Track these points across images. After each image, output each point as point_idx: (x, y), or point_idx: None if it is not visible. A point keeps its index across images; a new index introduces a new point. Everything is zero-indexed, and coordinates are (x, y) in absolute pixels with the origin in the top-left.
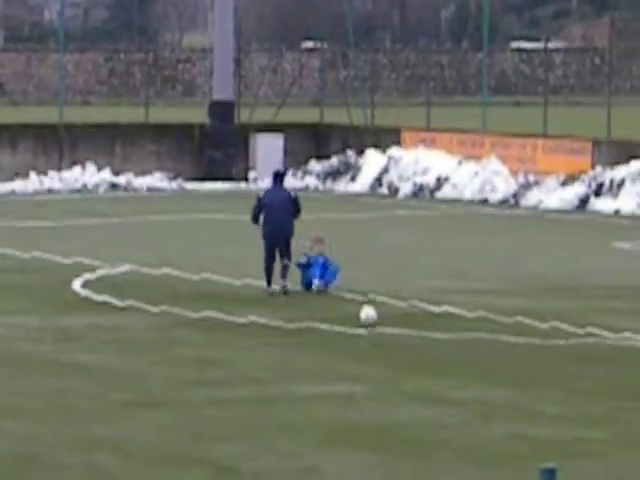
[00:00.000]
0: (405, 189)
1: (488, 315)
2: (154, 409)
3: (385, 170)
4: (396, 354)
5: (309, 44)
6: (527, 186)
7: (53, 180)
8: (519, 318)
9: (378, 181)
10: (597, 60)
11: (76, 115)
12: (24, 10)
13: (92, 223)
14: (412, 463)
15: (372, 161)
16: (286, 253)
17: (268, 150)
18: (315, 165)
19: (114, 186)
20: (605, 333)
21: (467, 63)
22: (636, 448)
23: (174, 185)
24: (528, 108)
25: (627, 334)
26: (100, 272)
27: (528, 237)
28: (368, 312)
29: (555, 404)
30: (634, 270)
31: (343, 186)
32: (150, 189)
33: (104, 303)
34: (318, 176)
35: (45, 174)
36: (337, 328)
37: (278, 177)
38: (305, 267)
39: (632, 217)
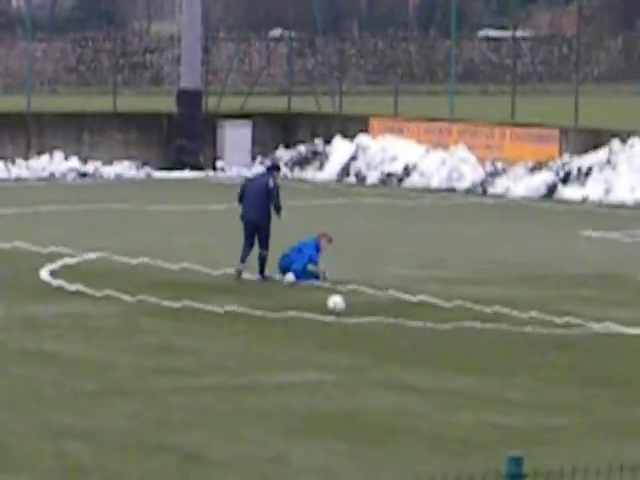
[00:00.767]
0: (373, 177)
1: (464, 304)
2: (122, 397)
3: (353, 158)
4: (366, 343)
5: (277, 32)
6: (495, 174)
7: (21, 168)
8: (490, 307)
9: (346, 169)
10: (565, 48)
11: (44, 103)
12: None
13: (60, 211)
14: (380, 451)
15: (340, 149)
16: (263, 243)
17: (236, 139)
18: (283, 153)
19: (82, 174)
20: (573, 321)
21: (435, 51)
22: (603, 435)
23: (142, 173)
24: (496, 96)
25: (594, 322)
26: (68, 260)
27: (496, 225)
28: (336, 300)
29: (523, 392)
30: (601, 258)
31: (311, 174)
32: (118, 177)
33: (73, 291)
34: (286, 164)
35: (13, 162)
36: (307, 316)
37: (269, 168)
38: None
39: (599, 205)
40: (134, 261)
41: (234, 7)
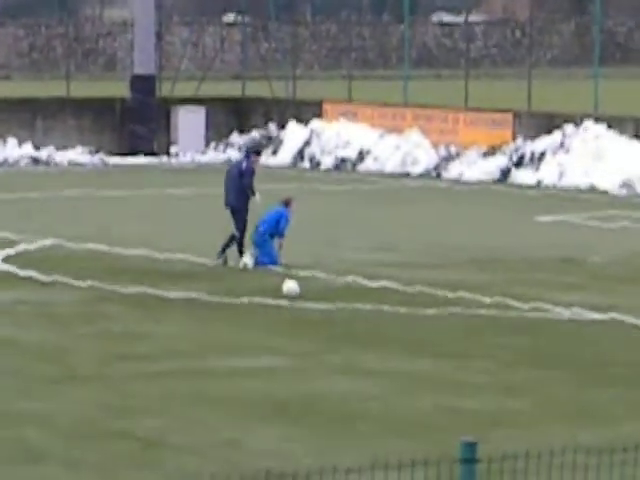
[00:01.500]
0: (327, 162)
1: (420, 288)
2: (79, 384)
3: (307, 143)
4: (322, 327)
5: (230, 17)
6: (449, 158)
7: None
8: (444, 290)
9: (300, 154)
10: (518, 32)
11: None
12: None
13: (13, 198)
14: (335, 435)
15: (294, 134)
16: (237, 225)
17: (190, 124)
18: (237, 138)
19: (35, 161)
20: (526, 305)
21: (388, 36)
22: (558, 417)
23: (96, 159)
24: (449, 81)
25: (547, 305)
26: (22, 247)
27: (450, 209)
28: (290, 285)
29: (480, 375)
30: (554, 242)
31: (265, 159)
32: (72, 163)
33: (28, 278)
34: (240, 149)
35: None
36: (262, 301)
37: (247, 152)
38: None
39: (553, 188)
40: (89, 247)
41: None
